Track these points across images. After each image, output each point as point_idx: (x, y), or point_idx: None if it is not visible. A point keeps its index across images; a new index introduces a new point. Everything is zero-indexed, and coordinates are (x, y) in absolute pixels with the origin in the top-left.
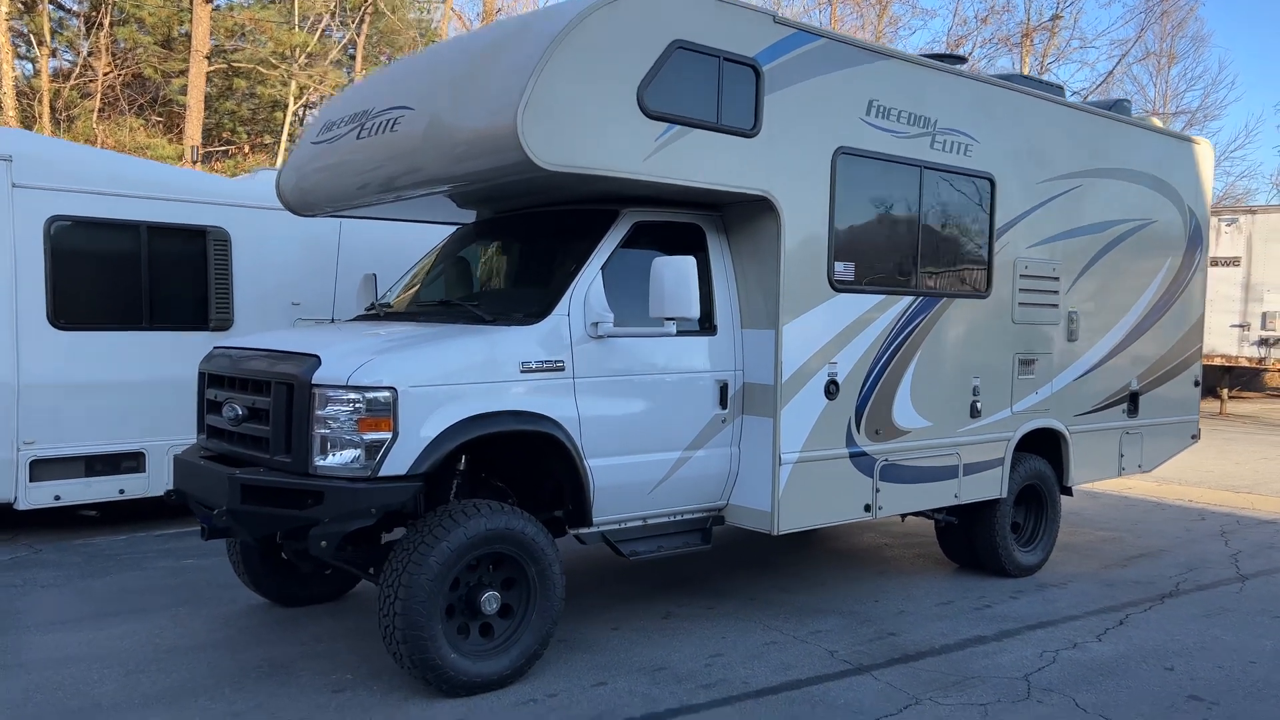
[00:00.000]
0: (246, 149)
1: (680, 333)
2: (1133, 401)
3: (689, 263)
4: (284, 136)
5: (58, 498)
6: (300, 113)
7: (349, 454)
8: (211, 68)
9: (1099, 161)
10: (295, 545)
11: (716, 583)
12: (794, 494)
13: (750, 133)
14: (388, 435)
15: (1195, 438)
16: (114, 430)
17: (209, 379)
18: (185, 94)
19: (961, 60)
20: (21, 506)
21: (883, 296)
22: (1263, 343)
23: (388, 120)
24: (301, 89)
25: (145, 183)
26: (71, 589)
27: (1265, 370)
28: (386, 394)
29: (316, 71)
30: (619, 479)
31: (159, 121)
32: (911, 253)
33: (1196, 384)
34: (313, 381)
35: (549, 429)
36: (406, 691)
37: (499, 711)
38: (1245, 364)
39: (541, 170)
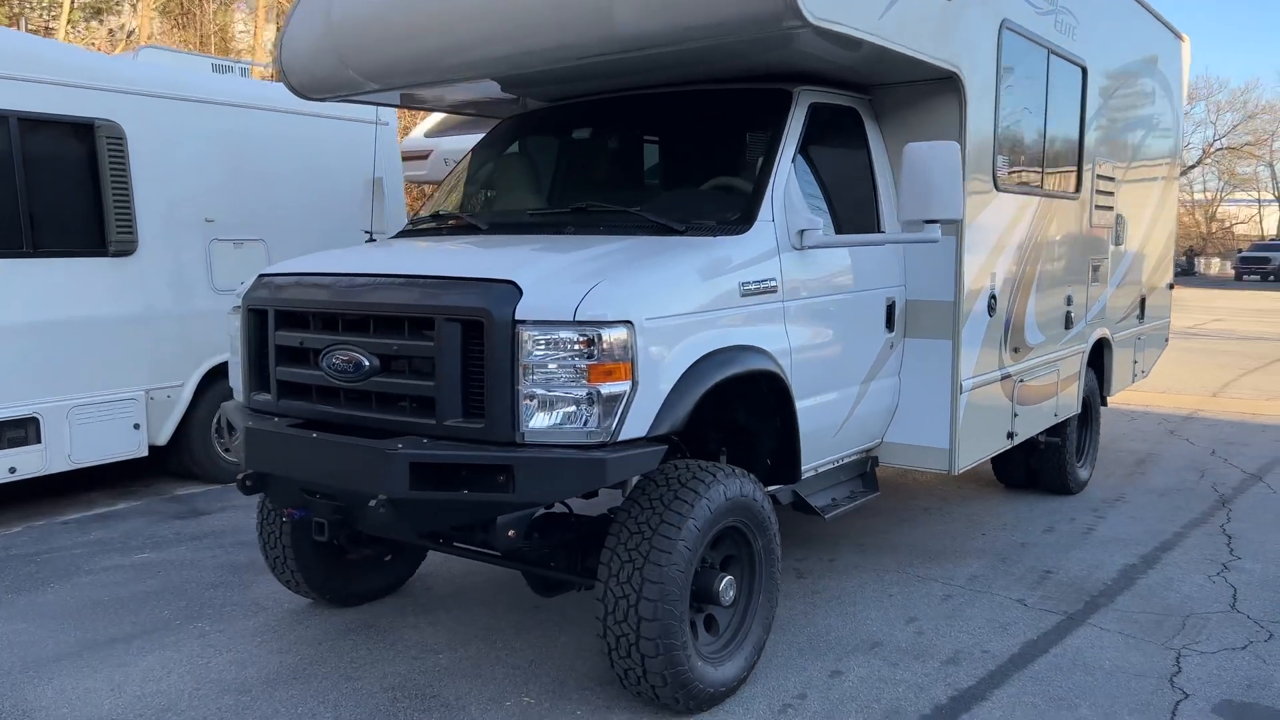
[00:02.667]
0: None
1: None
2: (1142, 306)
3: (954, 150)
4: (65, 15)
5: None
6: None
7: (575, 412)
8: None
9: (1136, 53)
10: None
11: (801, 530)
12: (969, 426)
13: None
14: (626, 385)
15: (1167, 340)
16: None
17: (280, 317)
18: None
19: None
20: None
21: (1024, 197)
22: None
23: None
24: None
25: (10, 57)
26: (16, 611)
27: None
28: (624, 331)
29: None
30: (816, 422)
31: None
32: (1039, 148)
33: (1171, 287)
34: (516, 316)
35: (771, 366)
36: (627, 713)
37: None
38: None
39: (805, 26)
